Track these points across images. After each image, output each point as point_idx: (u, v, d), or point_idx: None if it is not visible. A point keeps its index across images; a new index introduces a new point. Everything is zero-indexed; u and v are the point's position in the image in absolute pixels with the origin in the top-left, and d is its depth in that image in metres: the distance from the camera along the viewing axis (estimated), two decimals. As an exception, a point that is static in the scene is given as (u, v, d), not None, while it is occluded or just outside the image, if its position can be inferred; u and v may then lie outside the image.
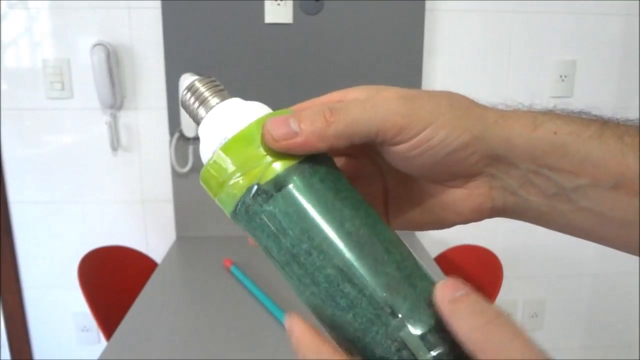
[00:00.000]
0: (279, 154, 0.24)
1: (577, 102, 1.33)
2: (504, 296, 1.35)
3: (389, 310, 0.21)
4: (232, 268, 1.05)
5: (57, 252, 1.34)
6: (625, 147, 0.23)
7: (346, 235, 0.23)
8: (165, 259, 1.19)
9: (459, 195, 0.27)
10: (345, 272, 0.22)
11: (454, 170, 0.25)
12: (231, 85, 0.28)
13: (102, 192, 1.31)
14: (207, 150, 0.25)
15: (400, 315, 0.21)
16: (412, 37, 1.23)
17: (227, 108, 0.26)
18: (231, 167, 0.24)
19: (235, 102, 0.26)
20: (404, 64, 1.25)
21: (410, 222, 0.29)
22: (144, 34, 1.22)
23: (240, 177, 0.24)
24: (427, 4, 1.22)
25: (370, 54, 1.24)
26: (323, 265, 0.22)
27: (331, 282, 0.22)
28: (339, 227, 0.23)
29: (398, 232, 0.26)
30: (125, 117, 1.27)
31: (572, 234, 0.26)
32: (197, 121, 0.27)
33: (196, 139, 1.23)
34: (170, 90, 1.22)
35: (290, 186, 0.23)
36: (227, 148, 0.24)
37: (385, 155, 0.26)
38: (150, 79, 1.25)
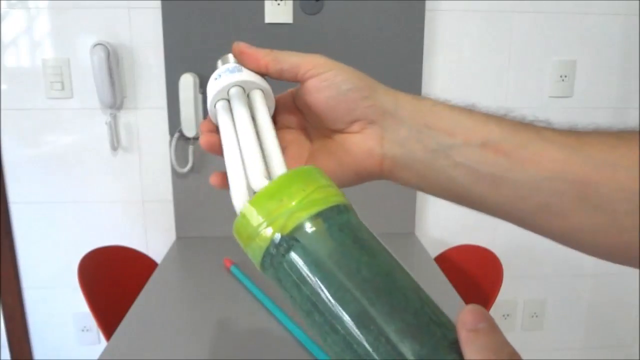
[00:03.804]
0: (300, 206, 0.25)
1: (577, 102, 1.33)
2: (504, 296, 1.35)
3: (406, 356, 0.21)
4: (232, 268, 1.05)
5: (57, 252, 1.34)
6: (489, 119, 0.30)
7: (362, 282, 0.23)
8: (165, 259, 1.19)
9: (356, 140, 0.34)
10: (361, 319, 0.22)
11: (352, 108, 0.33)
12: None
13: (102, 192, 1.31)
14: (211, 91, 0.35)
15: None
16: (412, 37, 1.23)
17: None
18: (258, 220, 0.25)
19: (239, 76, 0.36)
20: (404, 64, 1.25)
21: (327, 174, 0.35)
22: (144, 34, 1.22)
23: (266, 229, 0.25)
24: (427, 4, 1.22)
25: (370, 54, 1.24)
26: (340, 313, 0.22)
27: (349, 329, 0.22)
28: (355, 274, 0.23)
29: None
30: (125, 117, 1.27)
31: (453, 196, 0.32)
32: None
33: (196, 138, 1.23)
34: (170, 90, 1.22)
35: (310, 234, 0.24)
36: (254, 202, 0.26)
37: (305, 93, 0.34)
38: (150, 79, 1.25)
